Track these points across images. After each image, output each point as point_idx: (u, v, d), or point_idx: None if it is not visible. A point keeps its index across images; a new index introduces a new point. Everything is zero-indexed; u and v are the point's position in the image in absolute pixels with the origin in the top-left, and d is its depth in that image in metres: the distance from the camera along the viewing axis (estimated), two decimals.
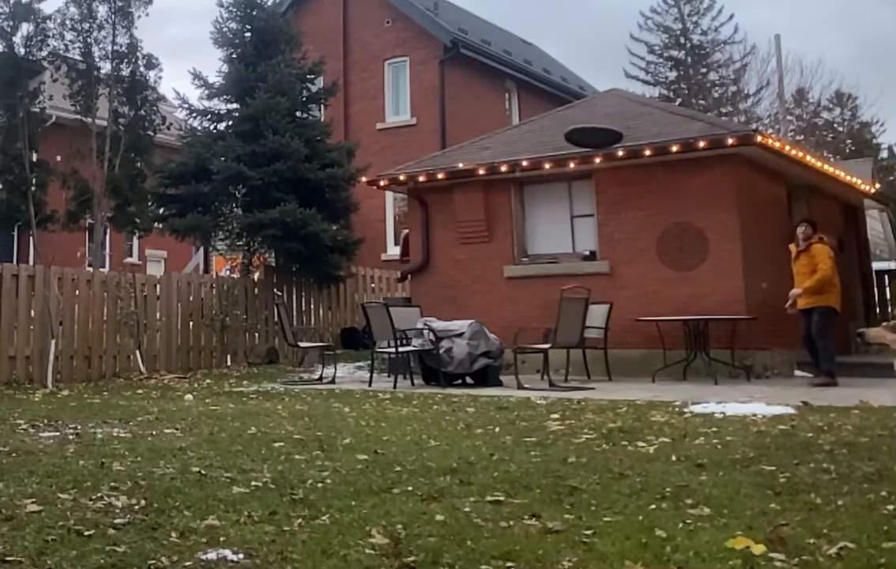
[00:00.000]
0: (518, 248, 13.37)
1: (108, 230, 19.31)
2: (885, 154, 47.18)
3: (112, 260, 22.59)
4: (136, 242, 25.53)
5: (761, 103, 42.48)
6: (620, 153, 12.20)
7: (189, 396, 9.97)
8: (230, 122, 16.93)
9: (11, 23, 17.19)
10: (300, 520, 3.85)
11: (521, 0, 63.53)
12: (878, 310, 17.43)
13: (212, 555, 3.34)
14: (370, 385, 11.23)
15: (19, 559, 3.29)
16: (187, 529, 3.70)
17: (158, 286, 14.13)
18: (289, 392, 10.62)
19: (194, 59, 70.92)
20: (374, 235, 20.06)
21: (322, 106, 19.68)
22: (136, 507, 4.10)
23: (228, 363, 14.69)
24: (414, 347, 11.63)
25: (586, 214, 12.99)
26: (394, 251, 20.05)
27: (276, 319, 15.14)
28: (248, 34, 17.05)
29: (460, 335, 11.14)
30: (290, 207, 15.05)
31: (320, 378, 12.44)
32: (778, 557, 3.23)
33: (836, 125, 48.19)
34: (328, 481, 4.72)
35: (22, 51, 17.33)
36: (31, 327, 12.03)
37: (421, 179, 13.96)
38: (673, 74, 45.85)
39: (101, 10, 17.61)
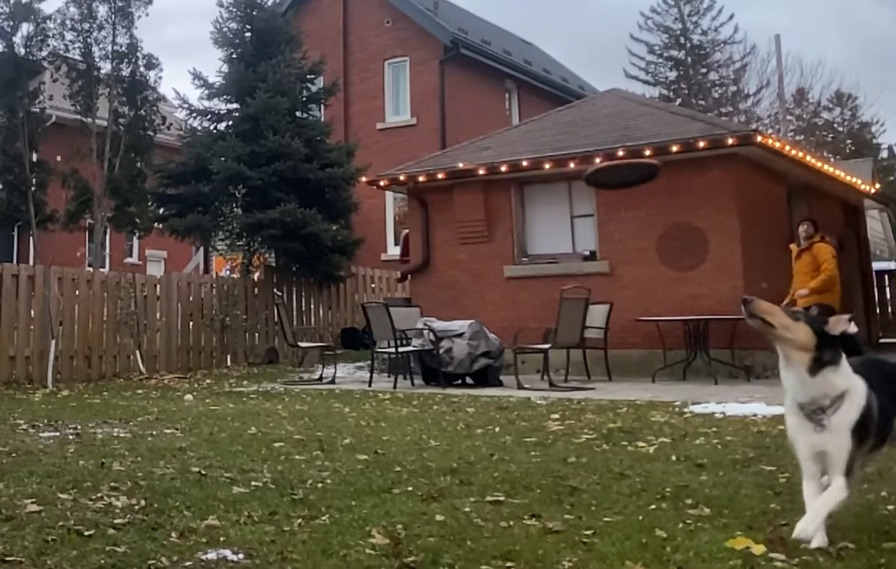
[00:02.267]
0: (518, 248, 13.36)
1: (108, 230, 19.27)
2: (885, 154, 47.17)
3: (112, 260, 22.56)
4: (136, 242, 25.51)
5: (761, 103, 42.53)
6: (620, 153, 12.19)
7: (189, 397, 9.97)
8: (230, 123, 16.94)
9: (11, 23, 17.16)
10: (300, 520, 3.85)
11: (521, 0, 63.49)
12: (878, 310, 17.44)
13: (212, 555, 3.34)
14: (370, 385, 11.23)
15: (19, 559, 3.29)
16: (187, 529, 3.70)
17: (158, 286, 14.12)
18: (289, 392, 10.62)
19: (194, 59, 70.84)
20: (374, 235, 20.05)
21: (322, 106, 19.69)
22: (136, 507, 4.10)
23: (228, 363, 14.67)
24: (414, 347, 11.62)
25: (586, 213, 12.99)
26: (394, 251, 20.04)
27: (276, 319, 15.13)
28: (248, 34, 17.05)
29: (460, 335, 11.14)
30: (290, 207, 15.05)
31: (320, 378, 12.44)
32: (778, 557, 3.23)
33: (836, 125, 48.15)
34: (328, 481, 4.72)
35: (22, 51, 17.29)
36: (31, 327, 12.02)
37: (421, 179, 13.96)
38: (673, 74, 45.83)
39: (101, 10, 17.57)
